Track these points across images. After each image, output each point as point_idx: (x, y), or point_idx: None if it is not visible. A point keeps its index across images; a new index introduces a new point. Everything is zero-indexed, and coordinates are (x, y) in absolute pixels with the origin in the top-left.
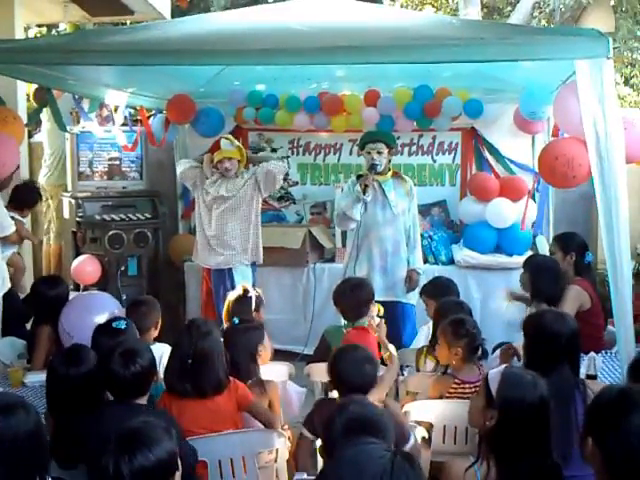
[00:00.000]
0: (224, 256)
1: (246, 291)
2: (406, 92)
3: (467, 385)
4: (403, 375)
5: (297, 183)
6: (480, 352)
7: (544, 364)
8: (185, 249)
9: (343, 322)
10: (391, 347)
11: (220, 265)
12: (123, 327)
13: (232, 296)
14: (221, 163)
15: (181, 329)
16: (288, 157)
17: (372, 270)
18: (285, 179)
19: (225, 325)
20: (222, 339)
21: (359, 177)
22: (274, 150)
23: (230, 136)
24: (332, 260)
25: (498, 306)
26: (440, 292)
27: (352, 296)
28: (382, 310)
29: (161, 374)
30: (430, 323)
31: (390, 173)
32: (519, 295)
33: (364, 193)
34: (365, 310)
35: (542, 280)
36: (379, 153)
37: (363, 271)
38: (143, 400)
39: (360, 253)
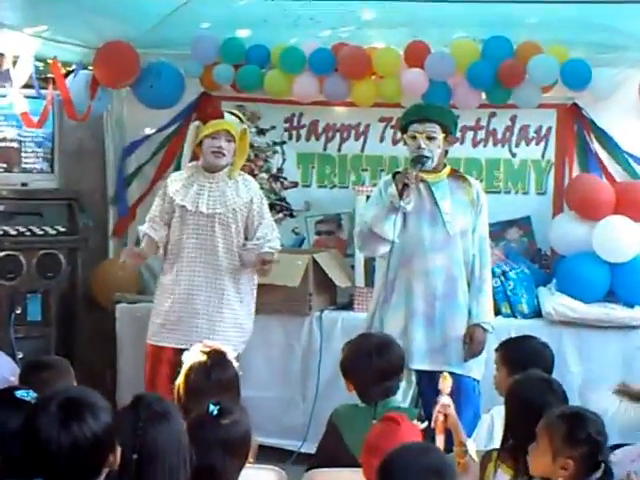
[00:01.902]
0: (199, 328)
1: (220, 353)
2: (471, 46)
3: None
4: None
5: (296, 184)
6: (602, 471)
7: None
8: (118, 282)
9: (359, 404)
10: (470, 444)
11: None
12: (32, 399)
13: (193, 359)
14: (216, 138)
15: (121, 408)
16: (283, 143)
17: (411, 320)
18: (277, 178)
19: (176, 402)
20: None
21: (396, 175)
22: (262, 132)
23: (240, 114)
24: (349, 306)
25: (610, 391)
26: (524, 361)
27: (372, 363)
28: (450, 385)
29: None
30: (497, 410)
31: (446, 171)
32: (636, 391)
33: (401, 197)
34: (392, 386)
35: None
36: (430, 139)
37: (398, 322)
38: None
39: (394, 293)
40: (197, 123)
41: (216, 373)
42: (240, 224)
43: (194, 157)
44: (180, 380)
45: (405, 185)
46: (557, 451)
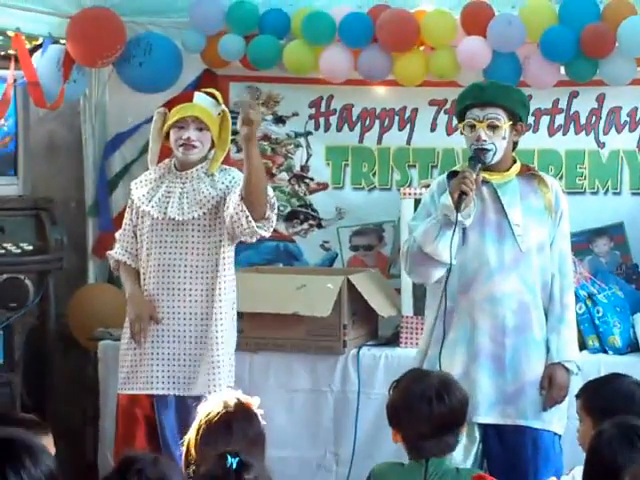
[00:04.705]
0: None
1: (244, 406)
2: (545, 7)
3: None
4: None
5: (326, 186)
6: None
7: None
8: (100, 314)
9: (408, 461)
10: None
11: (168, 389)
12: None
13: (208, 414)
14: (183, 128)
15: (103, 477)
16: (308, 134)
17: (475, 362)
18: (301, 178)
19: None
20: None
21: (452, 176)
22: (281, 120)
23: (216, 92)
24: (394, 341)
25: None
26: (613, 407)
27: (429, 410)
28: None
29: None
30: (580, 470)
31: (515, 168)
32: None
33: (458, 209)
34: (451, 441)
35: None
36: (493, 128)
37: (457, 364)
38: None
39: (451, 328)
40: (162, 110)
41: (240, 427)
42: (222, 225)
43: (166, 153)
44: (195, 432)
45: (462, 193)
46: None
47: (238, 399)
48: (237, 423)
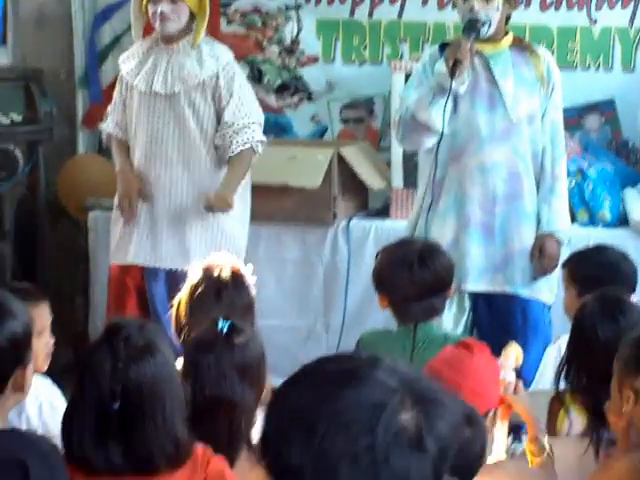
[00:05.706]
0: (164, 243)
1: (235, 274)
2: None
3: None
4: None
5: (316, 60)
6: None
7: None
8: (91, 184)
9: (397, 328)
10: (547, 439)
11: (157, 262)
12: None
13: (199, 281)
14: (157, 2)
15: (92, 343)
16: (299, 7)
17: (465, 230)
18: (292, 51)
19: (176, 335)
20: (183, 362)
21: (444, 47)
22: None
23: None
24: (384, 213)
25: None
26: (597, 277)
27: (414, 273)
28: (521, 357)
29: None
30: (566, 339)
31: (507, 40)
32: None
33: (453, 77)
34: (438, 304)
35: None
36: (487, 0)
37: (447, 233)
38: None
39: (442, 197)
40: None
41: (229, 296)
42: (211, 105)
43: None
44: (187, 297)
45: (457, 61)
46: (621, 381)
47: (230, 267)
48: (227, 292)
